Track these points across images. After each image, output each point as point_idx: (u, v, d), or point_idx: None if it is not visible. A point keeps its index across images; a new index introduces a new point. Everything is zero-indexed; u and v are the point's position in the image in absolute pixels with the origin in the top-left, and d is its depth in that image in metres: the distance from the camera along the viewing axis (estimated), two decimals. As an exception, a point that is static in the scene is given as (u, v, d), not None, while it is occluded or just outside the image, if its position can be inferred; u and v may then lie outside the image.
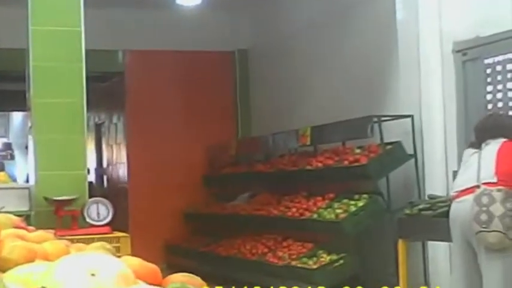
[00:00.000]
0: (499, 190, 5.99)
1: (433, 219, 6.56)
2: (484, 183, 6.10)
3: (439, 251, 8.04)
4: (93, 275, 1.92)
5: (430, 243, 8.02)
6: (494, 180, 6.08)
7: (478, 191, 6.08)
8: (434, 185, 8.11)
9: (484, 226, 5.97)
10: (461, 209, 6.20)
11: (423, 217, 6.97)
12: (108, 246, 2.59)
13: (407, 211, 7.26)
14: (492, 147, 6.31)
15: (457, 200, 6.28)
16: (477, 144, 6.48)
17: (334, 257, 8.99)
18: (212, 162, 12.81)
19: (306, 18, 11.20)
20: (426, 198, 7.72)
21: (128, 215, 12.28)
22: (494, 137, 6.40)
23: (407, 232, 7.26)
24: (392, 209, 8.39)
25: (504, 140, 6.35)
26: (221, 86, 13.12)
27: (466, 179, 6.32)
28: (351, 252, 8.96)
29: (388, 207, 8.56)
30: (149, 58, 12.53)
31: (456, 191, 6.39)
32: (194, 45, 12.53)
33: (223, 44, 12.90)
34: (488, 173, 6.15)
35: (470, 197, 6.11)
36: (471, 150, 6.50)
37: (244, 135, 12.99)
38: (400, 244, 7.30)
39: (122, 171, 13.27)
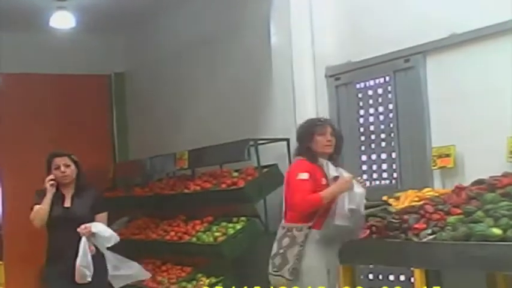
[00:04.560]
0: (283, 227, 5.78)
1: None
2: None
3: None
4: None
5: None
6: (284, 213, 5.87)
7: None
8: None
9: (270, 267, 5.79)
10: None
11: (299, 239, 7.06)
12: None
13: (284, 233, 7.34)
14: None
15: None
16: None
17: (213, 280, 9.03)
18: (89, 187, 12.61)
19: (181, 42, 11.24)
20: (302, 220, 7.84)
21: (2, 242, 11.97)
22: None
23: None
24: (269, 231, 8.47)
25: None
26: (97, 109, 12.96)
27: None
28: (230, 275, 9.00)
29: (266, 229, 8.65)
30: (23, 81, 12.19)
31: None
32: (69, 69, 12.34)
33: (99, 67, 12.77)
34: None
35: None
36: None
37: (122, 159, 12.89)
38: (278, 266, 7.39)
39: (-4, 196, 12.93)
